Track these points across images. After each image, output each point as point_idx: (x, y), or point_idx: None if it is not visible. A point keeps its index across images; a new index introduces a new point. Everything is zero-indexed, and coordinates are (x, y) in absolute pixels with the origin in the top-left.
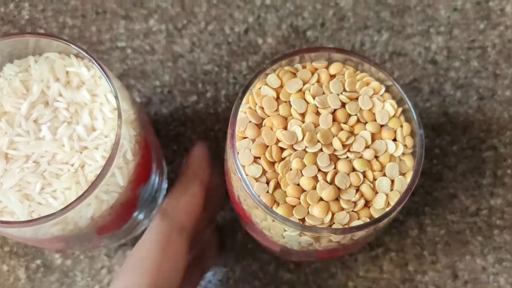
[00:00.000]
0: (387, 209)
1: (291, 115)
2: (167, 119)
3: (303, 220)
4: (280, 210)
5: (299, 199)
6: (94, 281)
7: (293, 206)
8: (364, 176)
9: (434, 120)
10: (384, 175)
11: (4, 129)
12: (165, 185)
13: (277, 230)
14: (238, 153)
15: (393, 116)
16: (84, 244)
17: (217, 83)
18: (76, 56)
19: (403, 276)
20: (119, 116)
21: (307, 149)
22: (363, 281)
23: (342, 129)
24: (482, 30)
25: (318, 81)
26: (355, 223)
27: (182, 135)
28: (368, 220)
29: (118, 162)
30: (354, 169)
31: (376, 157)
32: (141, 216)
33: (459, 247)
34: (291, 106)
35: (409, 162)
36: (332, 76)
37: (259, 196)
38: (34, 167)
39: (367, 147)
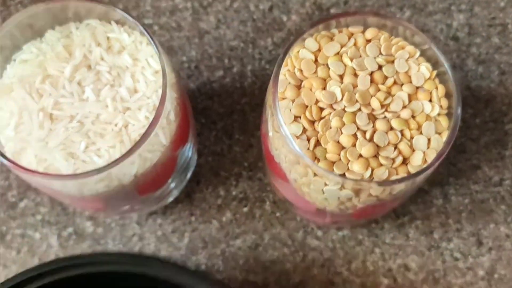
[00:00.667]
0: (425, 166)
1: (329, 76)
2: (195, 93)
3: (343, 175)
4: (321, 166)
5: (339, 155)
6: (126, 248)
7: (333, 162)
8: (402, 135)
9: None
10: (421, 133)
11: (48, 91)
12: (195, 156)
13: (317, 186)
14: (280, 111)
15: (428, 78)
16: (122, 206)
17: (243, 59)
18: (117, 22)
19: (429, 243)
20: (164, 77)
21: (346, 109)
22: (390, 248)
23: (379, 90)
24: (502, 8)
25: (354, 45)
26: (394, 178)
27: (209, 108)
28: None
29: (162, 123)
30: (392, 128)
31: (413, 117)
32: (173, 185)
33: (483, 215)
34: (329, 68)
35: (444, 122)
36: (368, 41)
37: (301, 150)
38: (78, 126)
39: (404, 107)
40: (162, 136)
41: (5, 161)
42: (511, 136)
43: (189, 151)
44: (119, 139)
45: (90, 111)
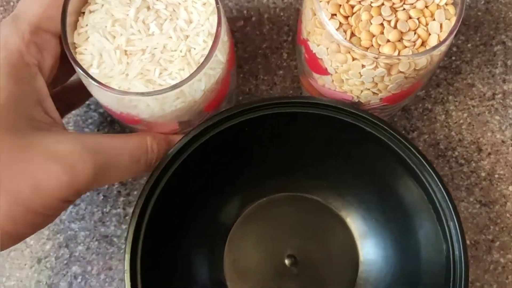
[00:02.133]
0: (439, 43)
1: None
2: None
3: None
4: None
5: (371, 42)
6: None
7: (367, 48)
8: (419, 22)
9: None
10: (434, 20)
11: (119, 32)
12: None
13: (355, 69)
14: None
15: None
16: (191, 124)
17: (259, 8)
18: None
19: (437, 153)
20: (217, 1)
21: (372, 4)
22: None
23: None
24: None
25: None
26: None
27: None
28: None
29: (219, 44)
30: (410, 17)
31: (426, 7)
32: (224, 104)
33: (481, 126)
34: None
35: (452, 10)
36: None
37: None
38: (150, 57)
39: None
40: (220, 56)
41: (101, 87)
42: (500, 56)
43: (235, 72)
44: (186, 62)
45: (158, 43)
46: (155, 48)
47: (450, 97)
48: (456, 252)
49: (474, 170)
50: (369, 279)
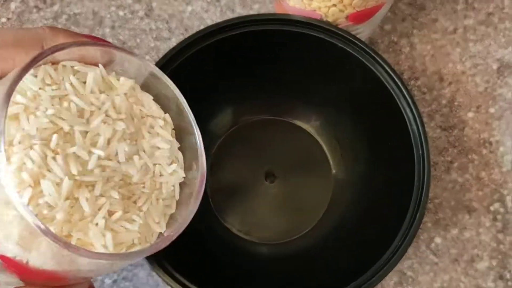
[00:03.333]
0: None
1: None
2: None
3: None
4: None
5: None
6: None
7: None
8: None
9: None
10: None
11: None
12: None
13: None
14: None
15: None
16: None
17: None
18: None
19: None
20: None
21: None
22: None
23: None
24: None
25: None
26: None
27: None
28: None
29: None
30: None
31: None
32: None
33: (443, 57)
34: None
35: None
36: None
37: None
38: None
39: None
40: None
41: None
42: None
43: None
44: (149, 202)
45: (126, 174)
46: (120, 180)
47: (415, 31)
48: (420, 152)
49: (436, 98)
50: (343, 194)
